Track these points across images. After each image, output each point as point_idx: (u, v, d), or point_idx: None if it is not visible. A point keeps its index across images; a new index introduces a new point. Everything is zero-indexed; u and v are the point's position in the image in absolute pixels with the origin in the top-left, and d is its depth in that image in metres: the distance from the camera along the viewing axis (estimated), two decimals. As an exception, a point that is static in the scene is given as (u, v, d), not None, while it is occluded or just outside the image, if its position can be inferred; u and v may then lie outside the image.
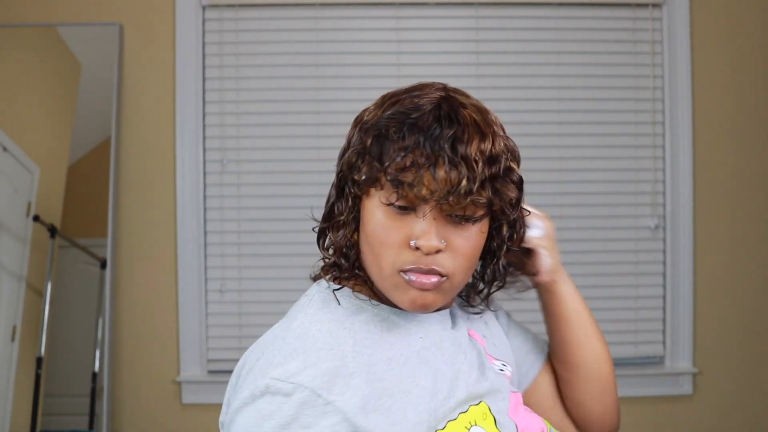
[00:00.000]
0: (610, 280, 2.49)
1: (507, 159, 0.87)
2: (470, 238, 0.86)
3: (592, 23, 2.49)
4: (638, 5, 2.49)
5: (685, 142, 2.47)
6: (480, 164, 0.82)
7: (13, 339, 2.27)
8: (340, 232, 0.90)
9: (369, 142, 0.85)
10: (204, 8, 2.47)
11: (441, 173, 0.81)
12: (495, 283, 0.97)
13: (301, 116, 2.47)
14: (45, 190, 2.39)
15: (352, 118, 0.92)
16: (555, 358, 1.06)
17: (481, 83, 2.46)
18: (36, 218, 2.34)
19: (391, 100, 0.88)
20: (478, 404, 0.87)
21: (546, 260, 1.01)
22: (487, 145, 0.84)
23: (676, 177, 2.48)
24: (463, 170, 0.81)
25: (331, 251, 0.92)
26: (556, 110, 2.48)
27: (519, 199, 0.90)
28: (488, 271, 0.96)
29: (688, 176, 2.47)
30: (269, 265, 2.45)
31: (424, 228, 0.83)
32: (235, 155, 2.47)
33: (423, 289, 0.85)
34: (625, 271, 2.49)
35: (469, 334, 0.96)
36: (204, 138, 2.47)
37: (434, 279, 0.85)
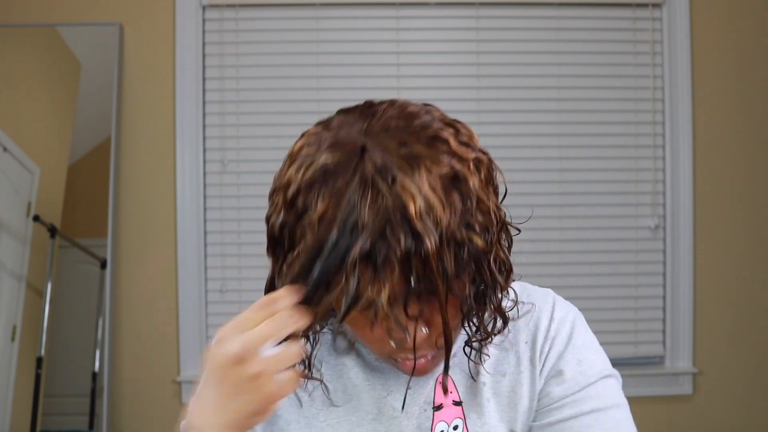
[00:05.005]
0: (610, 280, 2.49)
1: (455, 241, 0.69)
2: (445, 308, 0.72)
3: (592, 23, 2.49)
4: (638, 5, 2.49)
5: (685, 142, 2.47)
6: (421, 269, 0.67)
7: (13, 339, 2.27)
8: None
9: (302, 266, 0.70)
10: (204, 8, 2.47)
11: (385, 295, 0.67)
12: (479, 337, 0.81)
13: (301, 116, 2.47)
14: (45, 190, 2.39)
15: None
16: None
17: (481, 83, 2.46)
18: (36, 218, 2.34)
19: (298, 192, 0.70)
20: None
21: None
22: (428, 243, 0.66)
23: (676, 177, 2.48)
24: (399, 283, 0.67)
25: None
26: (556, 110, 2.48)
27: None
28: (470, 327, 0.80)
29: (688, 176, 2.47)
30: (269, 265, 2.45)
31: (402, 327, 0.71)
32: (235, 155, 2.47)
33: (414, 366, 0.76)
34: (625, 271, 2.49)
35: (437, 381, 0.86)
36: (204, 138, 2.46)
37: (427, 357, 0.77)
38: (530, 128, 2.47)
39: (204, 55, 2.47)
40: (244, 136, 2.47)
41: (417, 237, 0.66)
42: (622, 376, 0.91)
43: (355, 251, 0.66)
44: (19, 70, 2.46)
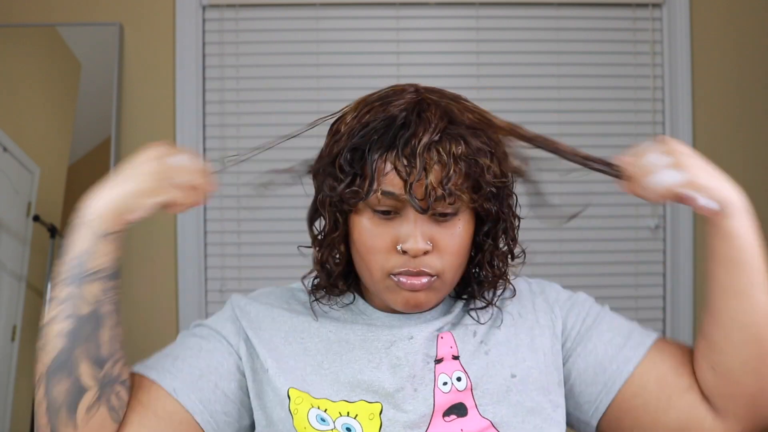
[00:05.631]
0: (609, 280, 2.49)
1: (487, 155, 0.89)
2: (455, 236, 0.88)
3: (592, 23, 2.49)
4: (638, 5, 2.49)
5: (685, 142, 2.47)
6: (454, 166, 0.84)
7: (13, 339, 2.27)
8: (324, 250, 0.93)
9: (348, 156, 0.87)
10: (204, 8, 2.47)
11: (414, 180, 0.83)
12: (490, 281, 0.96)
13: (301, 116, 2.45)
14: (45, 190, 2.39)
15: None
16: (706, 313, 0.91)
17: (481, 83, 2.46)
18: (36, 218, 2.34)
19: (365, 109, 0.91)
20: (372, 403, 0.88)
21: (700, 200, 0.91)
22: (459, 147, 0.85)
23: (676, 177, 2.47)
24: (437, 175, 0.84)
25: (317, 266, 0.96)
26: (556, 110, 2.48)
27: (503, 194, 0.93)
28: (478, 270, 0.96)
29: (688, 176, 2.47)
30: (269, 265, 2.45)
31: (409, 231, 0.86)
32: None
33: (414, 290, 0.87)
34: (625, 271, 2.49)
35: (439, 337, 0.93)
36: (204, 138, 2.47)
37: (424, 279, 0.87)
38: (530, 128, 2.47)
39: (204, 55, 2.47)
40: (244, 137, 2.47)
41: (461, 138, 0.86)
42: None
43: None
44: (19, 70, 2.46)
